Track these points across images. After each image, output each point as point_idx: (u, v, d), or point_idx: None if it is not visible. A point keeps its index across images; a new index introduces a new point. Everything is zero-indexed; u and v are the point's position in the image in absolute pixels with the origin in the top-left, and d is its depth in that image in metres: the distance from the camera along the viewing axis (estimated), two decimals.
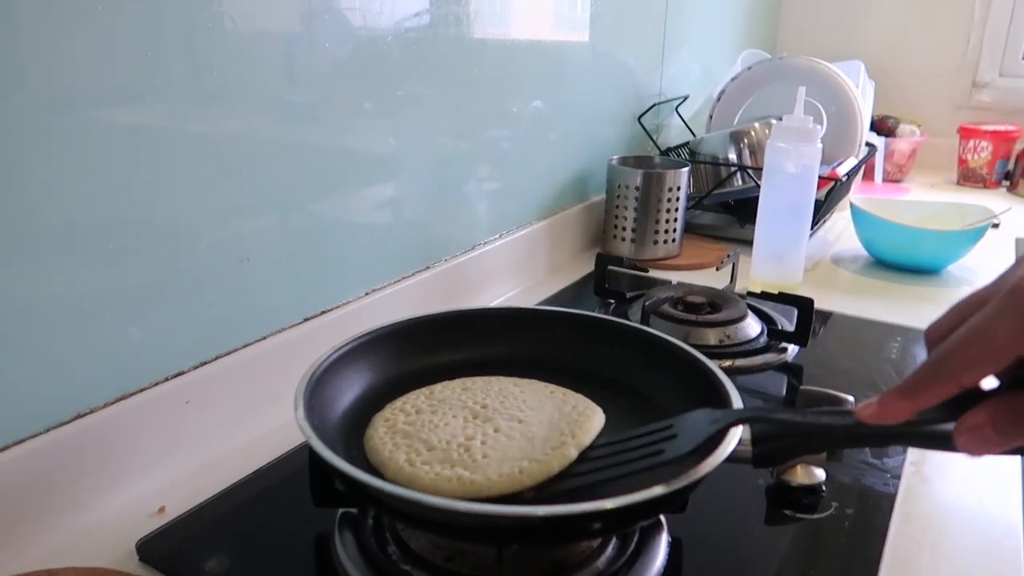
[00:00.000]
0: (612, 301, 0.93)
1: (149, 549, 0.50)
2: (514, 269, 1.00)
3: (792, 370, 0.79)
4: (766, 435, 0.46)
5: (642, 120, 1.29)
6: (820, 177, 0.99)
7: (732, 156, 1.21)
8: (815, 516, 0.55)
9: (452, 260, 0.88)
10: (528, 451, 0.47)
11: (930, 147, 1.81)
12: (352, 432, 0.51)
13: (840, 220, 1.33)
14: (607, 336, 0.61)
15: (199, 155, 0.58)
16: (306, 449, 0.44)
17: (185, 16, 0.54)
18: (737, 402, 0.48)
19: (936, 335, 0.36)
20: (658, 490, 0.40)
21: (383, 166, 0.77)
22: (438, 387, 0.55)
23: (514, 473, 0.45)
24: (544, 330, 0.62)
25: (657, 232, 1.11)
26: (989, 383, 0.35)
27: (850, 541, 0.53)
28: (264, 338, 0.65)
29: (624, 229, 1.12)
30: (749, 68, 1.36)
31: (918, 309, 0.97)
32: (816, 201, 0.97)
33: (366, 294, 0.76)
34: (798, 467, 0.57)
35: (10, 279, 0.48)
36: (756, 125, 1.21)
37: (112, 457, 0.55)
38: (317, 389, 0.50)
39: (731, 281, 0.95)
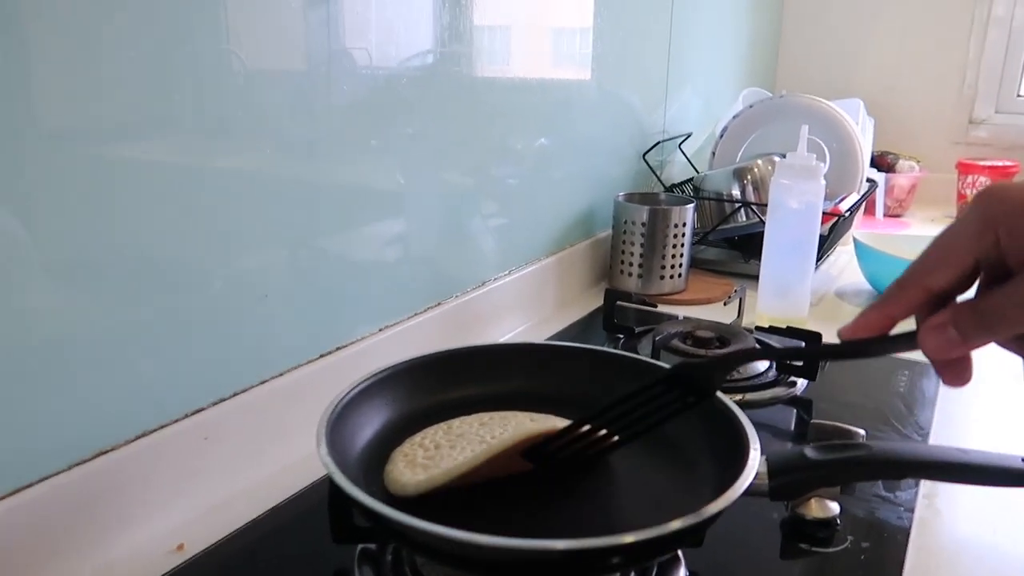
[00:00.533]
0: (621, 336, 0.94)
1: None
2: (523, 305, 1.01)
3: (801, 404, 0.80)
4: (782, 468, 0.47)
5: (646, 157, 1.31)
6: (823, 213, 1.01)
7: (736, 192, 1.23)
8: (830, 550, 0.55)
9: (463, 296, 0.89)
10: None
11: (929, 182, 1.84)
12: (372, 467, 0.52)
13: (843, 255, 1.35)
14: (622, 371, 0.62)
15: (214, 192, 0.59)
16: (323, 485, 0.45)
17: (193, 54, 0.56)
18: (752, 435, 0.49)
19: None
20: (676, 524, 0.40)
21: (393, 203, 0.78)
22: (456, 422, 0.55)
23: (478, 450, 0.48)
24: (560, 365, 0.63)
25: (664, 267, 1.13)
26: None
27: (866, 574, 0.53)
28: (281, 374, 0.66)
29: (631, 264, 1.13)
30: (751, 106, 1.38)
31: None
32: (820, 236, 0.99)
33: (380, 330, 0.77)
34: (812, 501, 0.57)
35: (29, 318, 0.49)
36: (759, 162, 1.23)
37: (131, 494, 0.55)
38: (338, 424, 0.50)
39: (738, 316, 0.96)
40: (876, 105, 1.83)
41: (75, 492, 0.51)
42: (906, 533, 0.57)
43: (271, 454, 0.64)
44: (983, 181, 1.74)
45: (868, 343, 0.39)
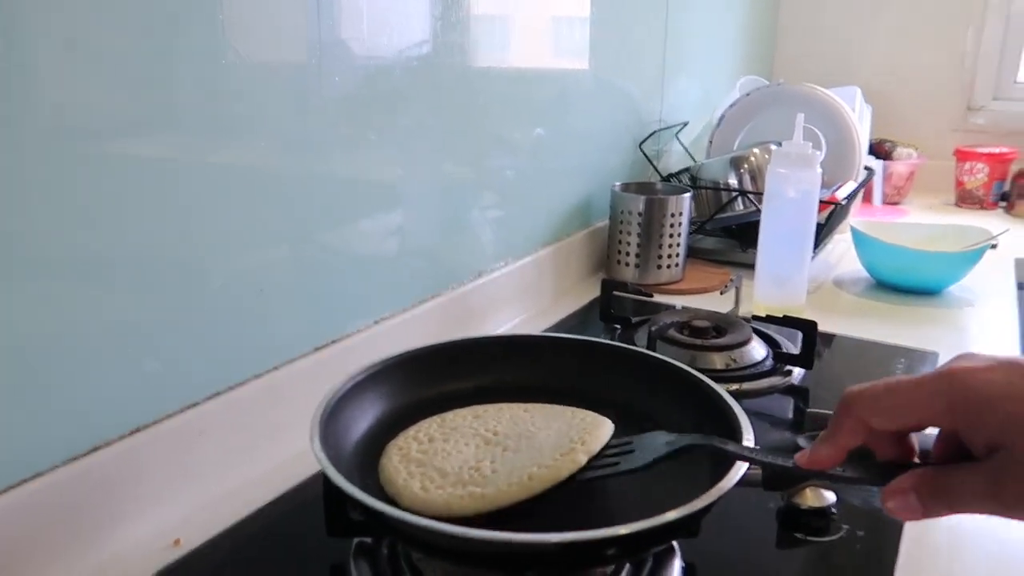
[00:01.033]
0: (618, 326, 0.94)
1: None
2: (520, 296, 1.01)
3: (798, 392, 0.80)
4: None
5: (643, 146, 1.30)
6: (820, 201, 1.00)
7: (733, 181, 1.22)
8: (826, 539, 0.55)
9: (459, 288, 0.89)
10: (536, 458, 0.47)
11: (927, 169, 1.83)
12: (366, 461, 0.52)
13: (841, 243, 1.35)
14: (616, 362, 0.62)
15: (209, 187, 0.59)
16: (319, 478, 0.45)
17: (192, 50, 0.55)
18: (746, 426, 0.48)
19: None
20: (671, 515, 0.40)
21: (390, 195, 0.78)
22: (450, 415, 0.55)
23: (523, 480, 0.46)
24: (555, 357, 0.63)
25: (660, 257, 1.12)
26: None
27: (862, 564, 0.53)
28: (276, 368, 0.66)
29: (628, 255, 1.13)
30: (747, 94, 1.38)
31: (920, 330, 0.98)
32: (817, 225, 0.98)
33: (376, 323, 0.77)
34: (808, 490, 0.57)
35: (25, 313, 0.49)
36: (756, 150, 1.22)
37: (126, 490, 0.55)
38: (331, 419, 0.50)
39: (735, 305, 0.96)
40: (874, 92, 1.82)
41: (70, 488, 0.51)
42: (901, 522, 0.57)
43: (267, 448, 0.64)
44: (981, 167, 1.74)
45: (829, 477, 0.41)
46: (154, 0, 0.52)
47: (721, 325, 0.86)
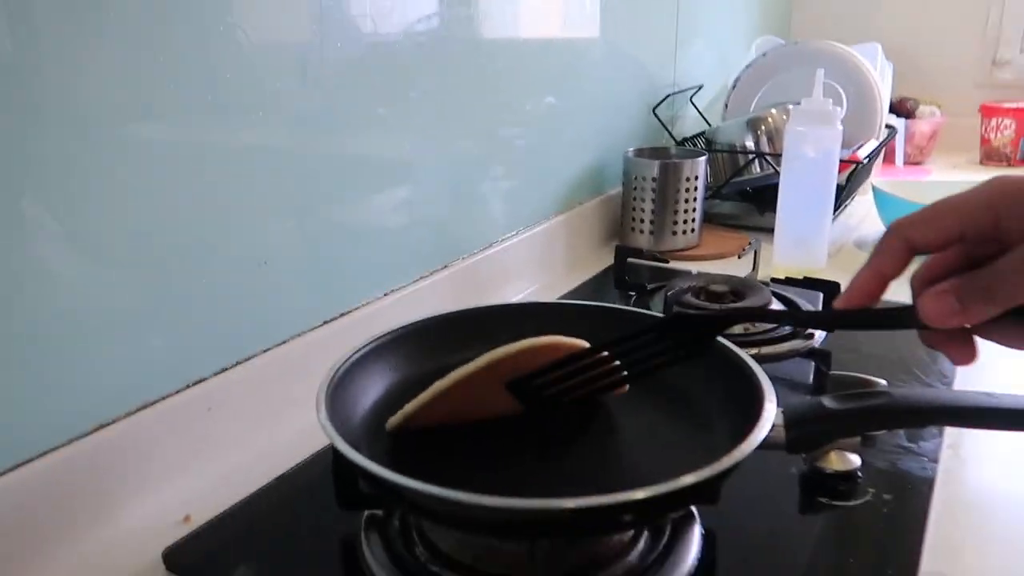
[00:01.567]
0: (633, 293, 0.92)
1: (176, 559, 0.50)
2: (533, 265, 0.99)
3: (819, 356, 0.77)
4: (799, 419, 0.45)
5: (657, 111, 1.27)
6: (840, 161, 0.97)
7: (749, 144, 1.19)
8: (852, 503, 0.53)
9: (470, 258, 0.87)
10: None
11: (951, 127, 1.78)
12: (375, 432, 0.51)
13: (862, 204, 1.31)
14: (631, 328, 0.60)
15: (216, 163, 0.57)
16: (328, 453, 0.44)
17: (197, 28, 0.54)
18: (769, 390, 0.47)
19: None
20: (688, 479, 0.39)
21: (398, 167, 0.76)
22: None
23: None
24: (567, 325, 0.60)
25: (676, 223, 1.10)
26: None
27: (889, 527, 0.51)
28: (284, 342, 0.65)
29: (642, 221, 1.11)
30: (764, 55, 1.34)
31: None
32: (837, 185, 0.96)
33: (385, 295, 0.75)
34: (832, 453, 0.56)
35: (30, 292, 0.48)
36: (773, 111, 1.19)
37: (135, 467, 0.54)
38: (339, 390, 0.49)
39: (753, 269, 0.94)
40: (894, 50, 1.77)
41: (77, 467, 0.51)
42: (930, 484, 0.55)
43: (276, 423, 0.64)
44: (1008, 123, 1.69)
45: (866, 314, 0.40)
46: None
47: (739, 289, 0.83)
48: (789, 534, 0.52)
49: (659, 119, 1.28)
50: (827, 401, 0.45)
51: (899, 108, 1.74)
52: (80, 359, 0.51)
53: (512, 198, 0.95)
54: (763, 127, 1.19)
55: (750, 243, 0.94)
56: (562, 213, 1.05)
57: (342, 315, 0.70)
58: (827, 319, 0.40)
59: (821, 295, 0.82)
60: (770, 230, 0.99)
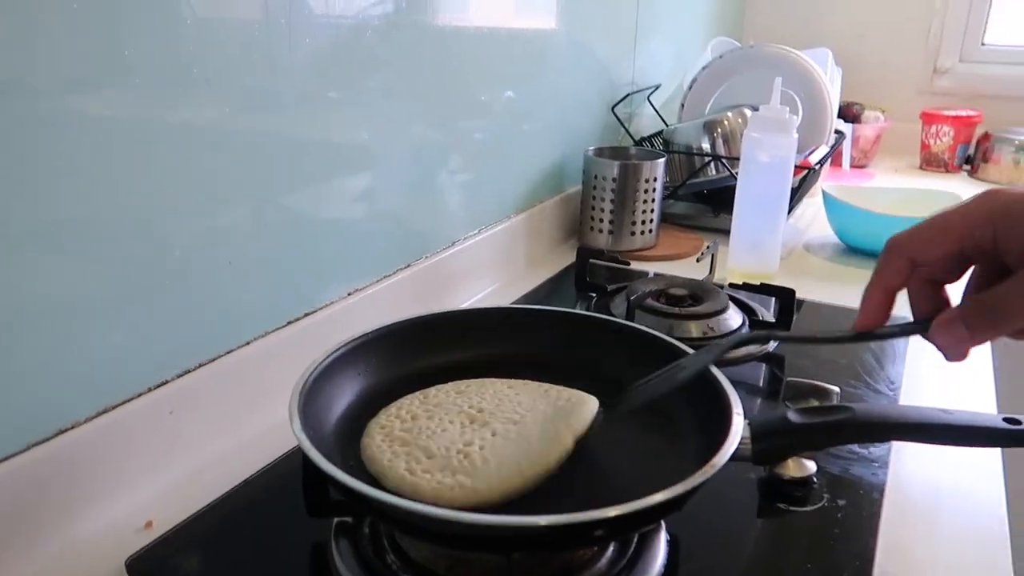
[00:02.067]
0: (594, 295, 0.93)
1: (138, 567, 0.49)
2: (494, 264, 0.99)
3: (774, 360, 0.80)
4: (766, 433, 0.46)
5: (615, 110, 1.28)
6: (794, 166, 1.00)
7: (706, 145, 1.21)
8: (808, 508, 0.56)
9: (433, 257, 0.87)
10: (525, 448, 0.46)
11: (894, 132, 1.84)
12: (347, 439, 0.50)
13: (810, 207, 1.35)
14: (596, 334, 0.61)
15: (171, 150, 0.55)
16: (296, 455, 0.43)
17: (149, 3, 0.52)
18: (732, 394, 0.48)
19: None
20: (659, 497, 0.40)
21: (359, 160, 0.75)
22: (432, 391, 0.54)
23: (513, 475, 0.45)
24: (535, 329, 0.61)
25: (635, 223, 1.11)
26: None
27: (844, 531, 0.53)
28: (248, 343, 0.64)
29: (602, 221, 1.12)
30: (720, 57, 1.36)
31: None
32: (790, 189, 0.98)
33: (348, 295, 0.75)
34: (790, 460, 0.58)
35: None
36: (729, 114, 1.21)
37: (96, 472, 0.53)
38: (311, 397, 0.49)
39: (710, 272, 0.96)
40: (843, 55, 1.82)
41: (35, 473, 0.49)
42: (881, 489, 0.58)
43: (240, 425, 0.63)
44: (947, 130, 1.75)
45: (885, 332, 0.42)
46: None
47: (697, 293, 0.85)
48: (749, 539, 0.53)
49: (618, 118, 1.29)
50: (792, 416, 0.46)
51: (846, 113, 1.79)
52: (36, 362, 0.49)
53: (474, 194, 0.95)
54: (719, 129, 1.21)
55: (708, 246, 0.96)
56: (523, 211, 1.06)
57: (307, 315, 0.70)
58: (850, 337, 0.42)
59: (774, 300, 0.85)
60: (724, 231, 1.02)
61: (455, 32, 0.86)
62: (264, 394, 0.63)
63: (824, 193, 1.16)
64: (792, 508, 0.56)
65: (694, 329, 0.81)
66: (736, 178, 0.99)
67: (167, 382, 0.58)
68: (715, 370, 0.51)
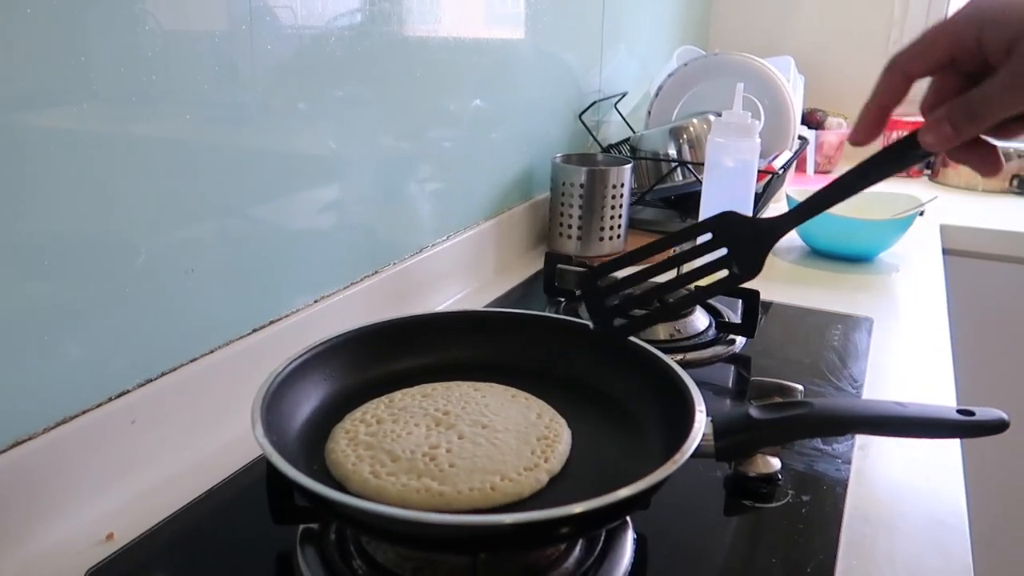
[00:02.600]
0: (562, 299, 0.94)
1: None
2: (463, 270, 0.99)
3: (740, 361, 0.81)
4: (728, 429, 0.47)
5: (583, 117, 1.29)
6: (758, 171, 1.01)
7: (672, 152, 1.23)
8: (773, 505, 0.56)
9: (400, 264, 0.87)
10: (499, 465, 0.46)
11: None
12: (312, 445, 0.50)
13: (775, 212, 1.37)
14: (563, 336, 0.61)
15: (132, 160, 0.55)
16: (260, 464, 0.43)
17: (107, 14, 0.51)
18: (697, 395, 0.48)
19: None
20: (624, 492, 0.40)
21: (325, 169, 0.75)
22: (397, 395, 0.54)
23: (486, 489, 0.45)
24: (501, 333, 0.62)
25: (603, 229, 1.12)
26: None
27: (808, 527, 0.54)
28: (211, 352, 0.63)
29: (570, 227, 1.13)
30: (685, 64, 1.38)
31: (854, 296, 1.00)
32: (755, 194, 1.00)
33: (315, 301, 0.74)
34: (756, 457, 0.58)
35: None
36: (695, 120, 1.23)
37: (55, 484, 0.52)
38: (274, 403, 0.48)
39: (677, 275, 0.97)
40: (806, 63, 1.85)
41: None
42: (844, 484, 0.59)
43: (204, 435, 0.62)
44: None
45: (876, 162, 0.44)
46: None
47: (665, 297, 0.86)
48: (716, 536, 0.54)
49: (585, 125, 1.30)
50: (753, 412, 0.47)
51: (809, 119, 1.82)
52: None
53: (442, 201, 0.95)
54: (685, 135, 1.23)
55: (675, 251, 0.97)
56: (491, 218, 1.06)
57: (272, 322, 0.69)
58: (847, 182, 0.43)
59: (740, 302, 0.86)
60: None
61: (422, 42, 0.86)
62: (229, 403, 0.63)
63: (788, 198, 1.18)
64: (758, 505, 0.56)
65: (661, 331, 0.81)
66: (702, 183, 1.00)
67: (128, 391, 0.57)
68: (678, 368, 0.52)
